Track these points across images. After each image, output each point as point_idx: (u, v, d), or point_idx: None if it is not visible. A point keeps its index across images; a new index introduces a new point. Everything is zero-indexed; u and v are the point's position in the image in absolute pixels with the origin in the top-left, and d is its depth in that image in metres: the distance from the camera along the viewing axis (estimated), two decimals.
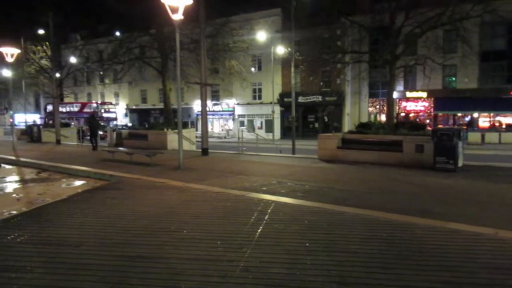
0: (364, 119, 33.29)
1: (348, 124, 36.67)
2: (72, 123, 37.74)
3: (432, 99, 34.13)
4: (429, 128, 16.18)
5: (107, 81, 48.22)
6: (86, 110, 41.99)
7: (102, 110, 43.13)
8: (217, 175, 10.92)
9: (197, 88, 23.48)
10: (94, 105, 43.58)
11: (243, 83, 30.24)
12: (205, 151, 16.15)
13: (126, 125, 42.38)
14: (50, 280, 4.05)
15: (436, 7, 18.21)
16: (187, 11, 11.94)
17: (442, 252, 4.68)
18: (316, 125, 40.27)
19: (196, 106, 44.38)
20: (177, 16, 11.70)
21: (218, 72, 29.77)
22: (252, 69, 41.05)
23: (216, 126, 46.13)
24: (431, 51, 20.34)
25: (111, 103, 45.35)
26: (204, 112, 16.55)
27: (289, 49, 23.37)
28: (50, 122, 38.69)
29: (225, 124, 46.47)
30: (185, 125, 27.22)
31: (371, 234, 5.38)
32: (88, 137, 30.66)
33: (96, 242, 5.22)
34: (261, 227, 5.73)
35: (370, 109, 37.22)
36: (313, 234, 5.42)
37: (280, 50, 32.75)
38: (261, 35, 32.16)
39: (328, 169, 12.09)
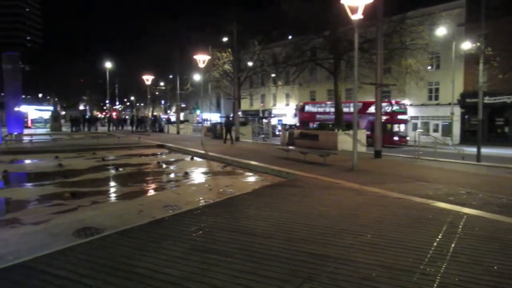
0: None
1: None
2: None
3: None
4: None
5: (279, 83, 50.86)
6: (370, 111, 32.18)
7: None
8: (393, 179, 10.42)
9: (366, 88, 22.92)
10: (385, 104, 32.22)
11: (419, 83, 28.13)
12: (378, 154, 15.62)
13: (295, 125, 43.91)
14: (249, 266, 4.40)
15: None
16: (364, 10, 11.66)
17: None
18: (506, 129, 35.02)
19: None
20: (356, 16, 11.57)
21: (391, 71, 28.35)
22: (429, 67, 37.88)
23: None
24: None
25: (403, 104, 36.51)
26: (378, 114, 16.02)
27: (478, 43, 20.73)
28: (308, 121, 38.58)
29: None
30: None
31: None
32: (262, 136, 33.09)
33: (283, 236, 5.49)
34: (454, 241, 5.20)
35: None
36: None
37: (465, 45, 29.45)
38: (442, 30, 29.48)
39: None
